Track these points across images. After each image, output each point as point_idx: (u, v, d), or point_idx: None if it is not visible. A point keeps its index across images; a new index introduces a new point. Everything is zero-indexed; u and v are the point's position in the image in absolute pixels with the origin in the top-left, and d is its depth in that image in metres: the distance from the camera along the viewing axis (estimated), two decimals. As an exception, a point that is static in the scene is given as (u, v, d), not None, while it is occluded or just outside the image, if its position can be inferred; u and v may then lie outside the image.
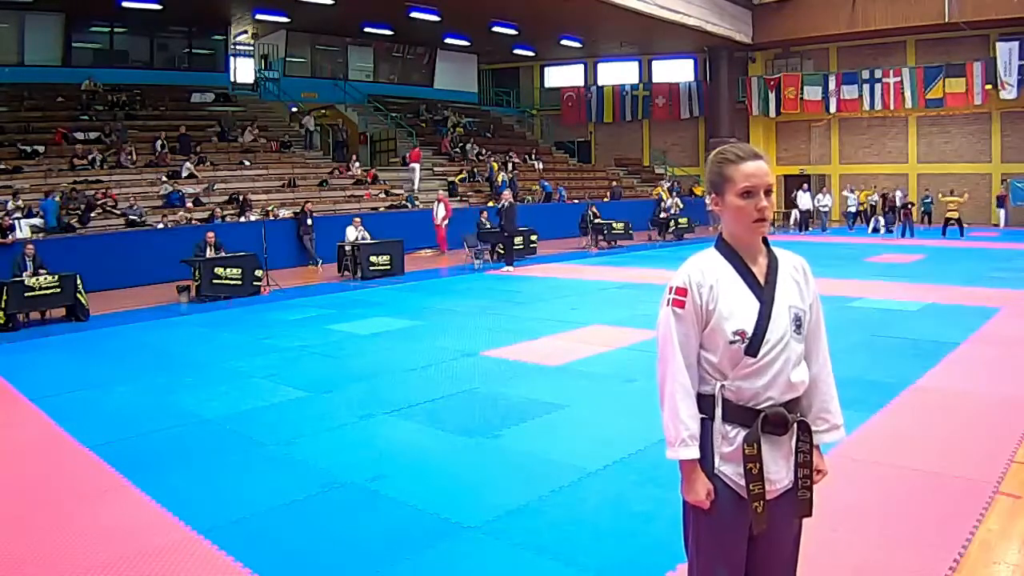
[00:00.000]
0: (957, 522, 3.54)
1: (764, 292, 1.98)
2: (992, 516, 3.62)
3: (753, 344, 1.94)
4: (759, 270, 2.01)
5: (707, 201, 2.10)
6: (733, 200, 1.98)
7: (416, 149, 23.24)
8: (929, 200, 23.81)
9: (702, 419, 2.00)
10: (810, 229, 23.55)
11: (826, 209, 24.13)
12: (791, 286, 2.03)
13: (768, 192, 1.97)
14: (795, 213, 24.24)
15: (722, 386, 1.98)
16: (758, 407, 1.97)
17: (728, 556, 2.02)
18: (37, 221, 14.00)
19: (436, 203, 18.69)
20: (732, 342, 1.95)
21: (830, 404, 2.09)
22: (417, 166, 22.76)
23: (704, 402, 2.00)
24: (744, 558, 2.04)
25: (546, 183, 24.92)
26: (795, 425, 2.01)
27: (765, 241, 2.05)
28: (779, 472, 2.00)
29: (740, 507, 1.98)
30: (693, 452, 1.97)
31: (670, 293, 2.01)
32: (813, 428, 2.06)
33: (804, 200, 23.55)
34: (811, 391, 2.08)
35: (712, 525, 2.01)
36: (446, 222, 18.13)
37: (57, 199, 14.94)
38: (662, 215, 21.67)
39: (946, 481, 4.06)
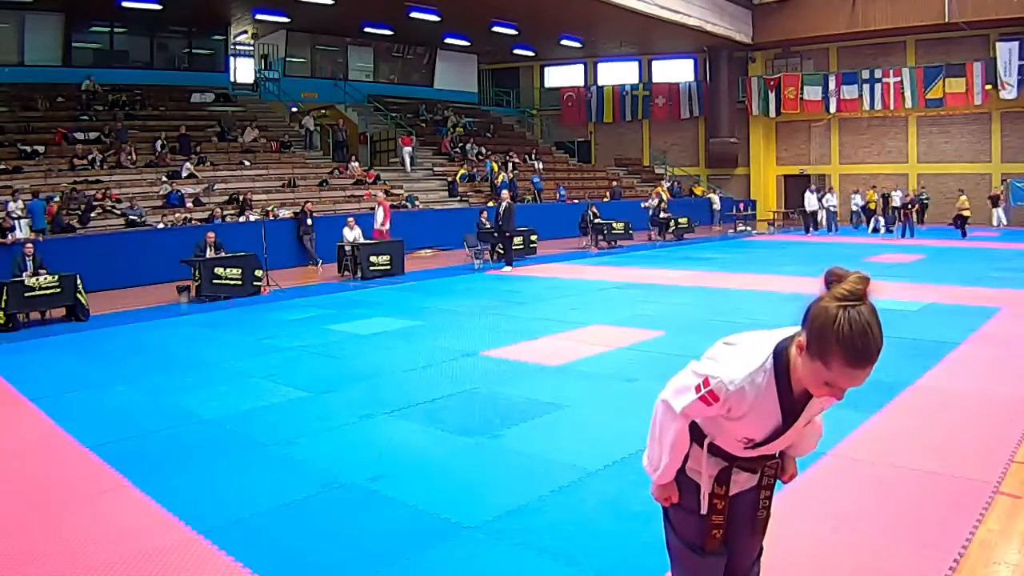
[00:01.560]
0: (957, 522, 3.54)
1: (792, 415, 1.86)
2: (992, 516, 3.62)
3: (757, 446, 1.97)
4: (800, 393, 1.83)
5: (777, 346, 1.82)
6: (818, 379, 1.70)
7: (406, 136, 23.55)
8: (926, 199, 23.86)
9: None
10: (816, 229, 23.38)
11: (835, 209, 24.08)
12: (819, 405, 1.88)
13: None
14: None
15: (714, 438, 2.05)
16: (737, 457, 2.04)
17: (707, 551, 2.11)
18: (25, 222, 13.91)
19: (376, 207, 16.76)
20: (738, 440, 1.98)
21: (807, 446, 2.16)
22: (409, 150, 23.11)
23: (694, 430, 2.06)
24: (724, 551, 2.13)
25: (536, 179, 25.02)
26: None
27: None
28: (742, 484, 2.10)
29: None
30: (667, 480, 2.12)
31: (705, 387, 1.84)
32: (786, 453, 2.16)
33: (811, 201, 23.45)
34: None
35: (689, 524, 2.11)
36: (387, 227, 16.21)
37: (56, 199, 14.93)
38: (661, 215, 21.68)
39: (946, 481, 4.05)
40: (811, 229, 23.20)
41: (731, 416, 1.88)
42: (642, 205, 22.44)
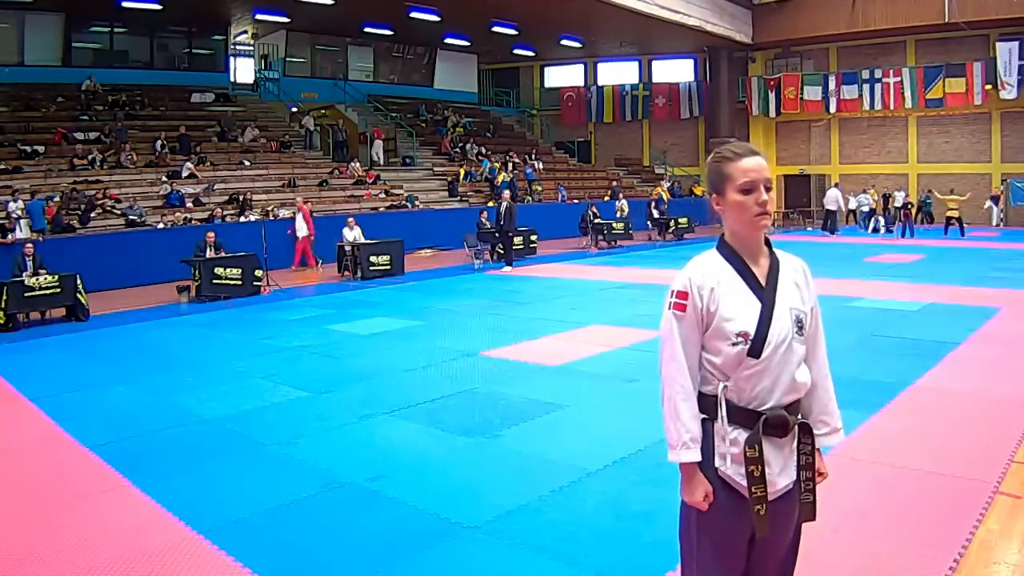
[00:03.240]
0: (957, 522, 3.54)
1: (765, 294, 1.98)
2: (992, 516, 3.62)
3: (755, 346, 1.94)
4: (760, 271, 2.01)
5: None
6: (734, 197, 1.99)
7: (377, 129, 24.03)
8: (929, 200, 23.83)
9: (704, 419, 2.00)
10: (826, 230, 23.04)
11: (832, 209, 23.95)
12: (791, 288, 2.03)
13: (768, 187, 1.97)
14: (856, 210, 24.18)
15: (725, 387, 1.98)
16: (760, 409, 1.97)
17: (728, 558, 2.01)
18: (25, 222, 13.86)
19: (296, 212, 16.10)
20: (735, 344, 1.95)
21: (829, 407, 2.10)
22: (380, 143, 23.53)
23: (706, 402, 2.01)
24: (744, 560, 2.03)
25: (529, 170, 25.29)
26: (796, 428, 2.01)
27: (768, 243, 2.05)
28: (780, 474, 1.99)
29: (741, 508, 1.98)
30: (694, 455, 1.98)
31: (671, 296, 2.02)
32: (814, 431, 2.07)
33: (841, 200, 23.02)
34: (811, 395, 2.08)
35: (712, 526, 2.01)
36: (305, 233, 15.59)
37: (56, 199, 14.93)
38: (656, 215, 21.64)
39: (946, 481, 4.05)
40: (833, 229, 22.84)
41: (708, 310, 1.97)
42: (616, 214, 21.34)
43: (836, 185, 24.39)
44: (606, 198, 25.00)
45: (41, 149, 17.16)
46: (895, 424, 5.04)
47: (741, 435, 1.97)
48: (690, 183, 29.17)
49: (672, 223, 21.56)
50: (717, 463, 1.99)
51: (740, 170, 1.98)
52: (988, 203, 23.69)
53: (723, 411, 1.98)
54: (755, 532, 1.98)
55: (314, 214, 16.94)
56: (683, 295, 1.99)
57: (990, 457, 4.33)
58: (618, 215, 21.21)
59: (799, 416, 2.03)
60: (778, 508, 1.99)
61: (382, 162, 23.49)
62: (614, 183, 27.41)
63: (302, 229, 15.88)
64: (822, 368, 2.10)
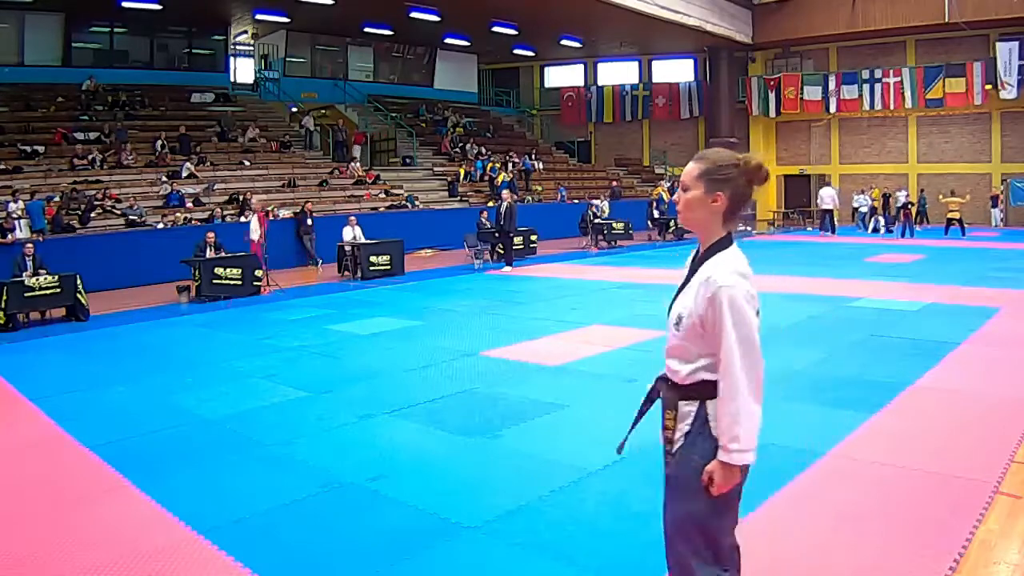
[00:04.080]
0: (957, 522, 3.54)
1: (679, 288, 2.30)
2: (992, 516, 3.62)
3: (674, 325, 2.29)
4: (694, 269, 2.29)
5: None
6: None
7: (358, 133, 24.12)
8: (923, 200, 23.86)
9: None
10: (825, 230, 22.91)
11: (828, 208, 23.90)
12: (690, 292, 2.24)
13: (685, 188, 2.25)
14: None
15: None
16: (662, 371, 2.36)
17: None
18: (25, 222, 13.81)
19: (252, 216, 14.66)
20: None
21: (722, 423, 2.17)
22: (359, 147, 23.61)
23: None
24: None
25: (527, 162, 25.55)
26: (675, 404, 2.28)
27: (719, 247, 2.23)
28: (668, 429, 2.32)
29: None
30: None
31: None
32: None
33: (828, 198, 23.04)
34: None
35: None
36: (260, 239, 13.92)
37: (56, 199, 14.93)
38: (656, 215, 21.61)
39: (946, 481, 4.05)
40: (832, 228, 22.54)
41: None
42: (592, 207, 20.71)
43: (828, 183, 24.32)
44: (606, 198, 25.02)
45: (41, 149, 17.16)
46: (895, 424, 5.03)
47: None
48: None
49: (672, 223, 21.54)
50: None
51: None
52: (995, 213, 23.68)
53: None
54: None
55: (314, 214, 16.95)
56: None
57: (990, 457, 4.33)
58: (601, 215, 21.04)
59: (675, 397, 2.28)
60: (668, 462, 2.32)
61: (358, 165, 23.44)
62: (613, 183, 27.41)
63: (255, 232, 14.34)
64: (721, 383, 2.16)
